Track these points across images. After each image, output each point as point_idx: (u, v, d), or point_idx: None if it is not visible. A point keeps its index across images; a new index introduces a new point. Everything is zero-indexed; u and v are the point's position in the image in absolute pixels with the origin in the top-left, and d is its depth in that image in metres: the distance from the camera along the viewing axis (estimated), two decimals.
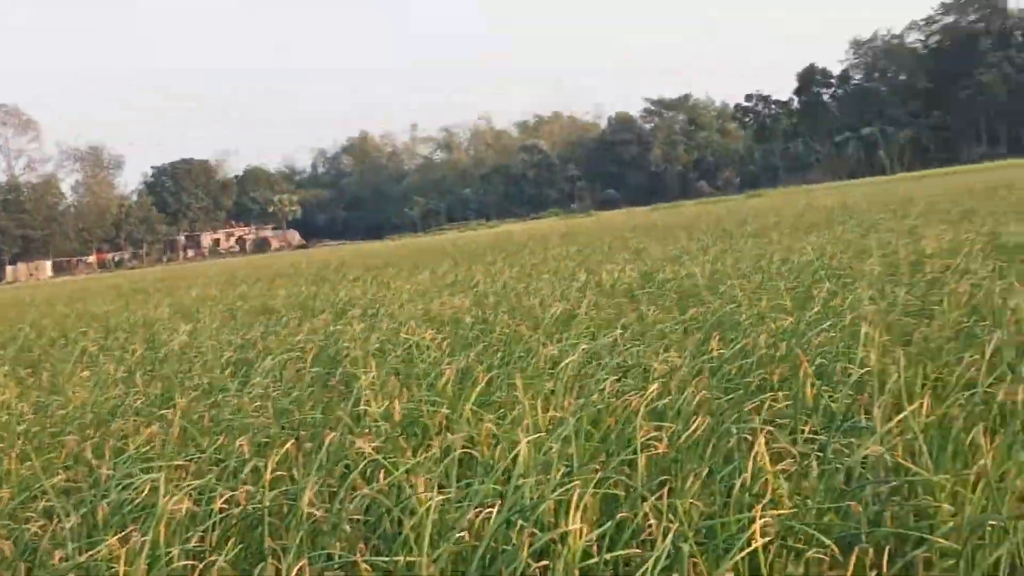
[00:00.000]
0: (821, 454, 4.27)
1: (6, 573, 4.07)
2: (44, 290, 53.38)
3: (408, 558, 3.20)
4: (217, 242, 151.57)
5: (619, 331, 8.18)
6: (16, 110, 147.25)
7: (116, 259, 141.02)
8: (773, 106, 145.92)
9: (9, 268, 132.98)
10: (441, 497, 3.75)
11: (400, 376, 7.06)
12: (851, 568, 2.89)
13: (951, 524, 3.38)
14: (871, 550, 3.11)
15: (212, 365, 8.88)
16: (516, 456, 4.19)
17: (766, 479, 3.67)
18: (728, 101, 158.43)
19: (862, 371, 5.44)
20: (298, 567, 3.08)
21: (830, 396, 5.27)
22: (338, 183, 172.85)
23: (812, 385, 5.31)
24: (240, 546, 3.90)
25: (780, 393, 5.58)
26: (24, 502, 4.80)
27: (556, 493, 3.75)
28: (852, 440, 4.47)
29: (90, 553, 3.69)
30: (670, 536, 2.83)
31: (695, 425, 4.53)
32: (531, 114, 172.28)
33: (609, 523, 3.44)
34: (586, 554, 3.33)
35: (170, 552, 3.67)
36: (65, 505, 4.53)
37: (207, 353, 9.63)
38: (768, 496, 3.49)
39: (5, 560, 4.10)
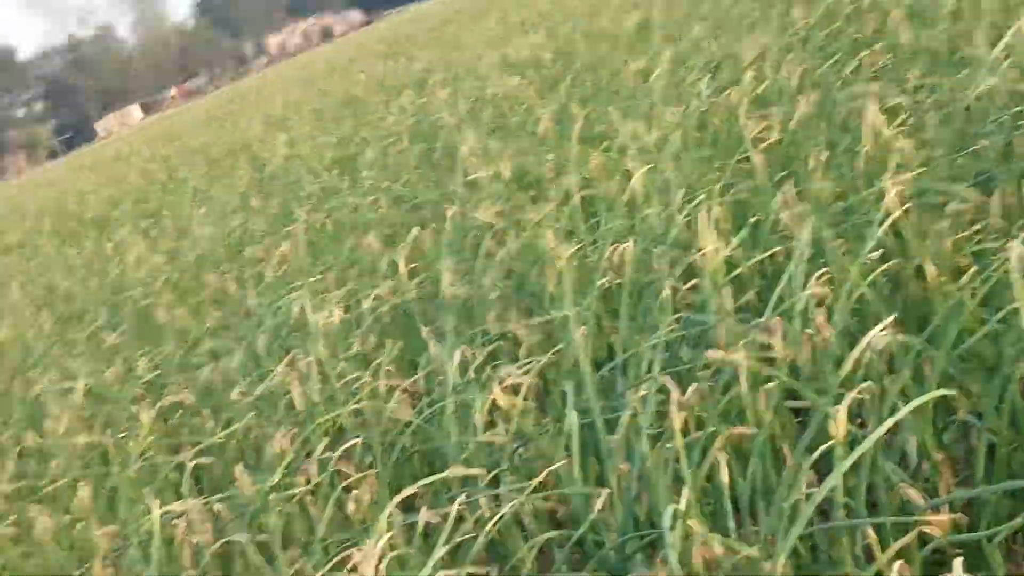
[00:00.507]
0: (935, 99, 4.16)
1: (193, 419, 4.26)
2: (138, 135, 53.92)
3: (558, 313, 3.25)
4: (283, 43, 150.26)
5: (696, 27, 7.95)
6: None
7: (196, 87, 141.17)
8: None
9: (99, 124, 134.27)
10: (574, 247, 3.79)
11: (499, 133, 7.04)
12: (998, 210, 2.85)
13: None
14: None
15: (318, 170, 8.94)
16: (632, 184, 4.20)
17: (887, 142, 3.60)
18: None
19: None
20: (459, 350, 3.16)
21: (928, 35, 5.09)
22: None
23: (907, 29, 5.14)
24: (398, 342, 3.99)
25: (877, 46, 5.42)
26: (188, 349, 4.99)
27: (684, 213, 3.75)
28: (962, 75, 4.32)
29: (263, 385, 3.83)
30: (807, 227, 2.82)
31: (800, 103, 4.42)
32: None
33: (743, 229, 3.44)
34: (730, 265, 3.33)
35: (336, 364, 3.77)
36: (225, 344, 4.69)
37: (309, 159, 9.69)
38: (894, 160, 3.43)
39: (189, 409, 4.30)
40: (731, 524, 2.20)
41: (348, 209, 6.65)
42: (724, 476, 2.15)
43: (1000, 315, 2.13)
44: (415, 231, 5.01)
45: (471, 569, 2.25)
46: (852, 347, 2.26)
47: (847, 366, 2.23)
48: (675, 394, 2.24)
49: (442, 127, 8.01)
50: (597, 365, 3.09)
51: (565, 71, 8.71)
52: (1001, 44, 4.08)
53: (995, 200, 2.87)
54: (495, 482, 2.71)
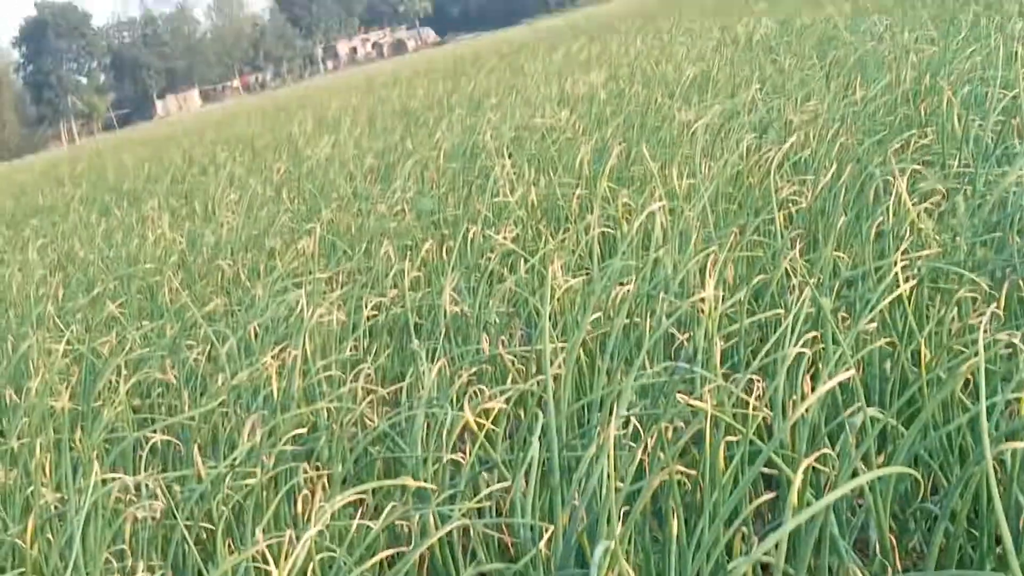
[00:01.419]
0: (970, 187, 4.09)
1: (174, 400, 4.23)
2: (194, 120, 54.50)
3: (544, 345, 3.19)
4: (354, 50, 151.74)
5: (756, 87, 7.95)
6: None
7: (260, 80, 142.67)
8: None
9: (159, 103, 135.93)
10: (578, 279, 3.73)
11: (537, 162, 7.01)
12: (1002, 299, 2.77)
13: None
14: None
15: (354, 173, 8.97)
16: (654, 227, 4.14)
17: (911, 221, 3.54)
18: None
19: (1013, 93, 5.16)
20: (439, 364, 3.10)
21: (979, 125, 5.02)
22: None
23: (959, 116, 5.07)
24: (388, 349, 3.96)
25: (928, 128, 5.37)
26: (184, 330, 4.95)
27: (695, 260, 3.68)
28: (1005, 168, 4.25)
29: (246, 371, 3.79)
30: (807, 291, 2.75)
31: (831, 174, 4.36)
32: None
33: (748, 286, 3.37)
34: (729, 319, 3.28)
35: (323, 362, 3.73)
36: (221, 329, 4.66)
37: (349, 162, 9.72)
38: (912, 238, 3.36)
39: (172, 388, 4.27)
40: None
41: (373, 216, 6.64)
42: (673, 525, 2.07)
43: (983, 405, 2.04)
44: (429, 244, 4.97)
45: None
46: (832, 418, 2.20)
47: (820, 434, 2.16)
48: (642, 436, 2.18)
49: (484, 148, 7.98)
50: (577, 399, 3.04)
51: (616, 111, 8.69)
52: None
53: (1004, 289, 2.80)
54: (451, 501, 2.65)
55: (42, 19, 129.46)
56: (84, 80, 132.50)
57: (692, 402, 2.27)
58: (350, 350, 4.08)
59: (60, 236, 10.53)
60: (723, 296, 3.15)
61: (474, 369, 3.45)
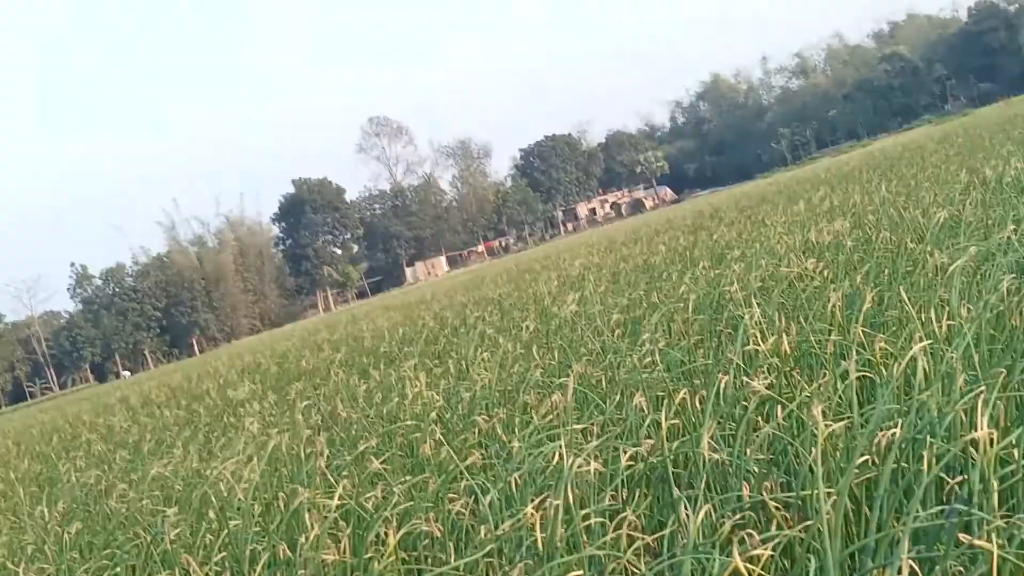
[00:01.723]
0: None
1: (439, 553, 4.32)
2: (442, 284, 56.29)
3: (813, 491, 3.14)
4: (593, 211, 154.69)
5: (1011, 228, 7.72)
6: (387, 119, 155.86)
7: (503, 244, 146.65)
8: None
9: (408, 270, 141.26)
10: (841, 423, 3.67)
11: (785, 310, 6.96)
12: None
13: None
14: None
15: (601, 328, 9.07)
16: (915, 371, 4.04)
17: None
18: None
19: None
20: (704, 510, 3.08)
21: None
22: (700, 131, 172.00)
23: None
24: (648, 498, 3.96)
25: None
26: (446, 484, 5.07)
27: (962, 402, 3.58)
28: None
29: (509, 523, 3.85)
30: None
31: None
32: (884, 21, 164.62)
33: (1022, 426, 3.25)
34: (1003, 461, 3.16)
35: (583, 511, 3.76)
36: (482, 482, 4.75)
37: (596, 318, 9.84)
38: None
39: (436, 540, 4.37)
40: None
41: (624, 368, 6.70)
42: None
43: None
44: (683, 394, 4.98)
45: None
46: None
47: None
48: None
49: (731, 299, 7.98)
50: (846, 546, 2.97)
51: (864, 257, 8.58)
52: None
53: None
54: None
55: (299, 195, 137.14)
56: (339, 251, 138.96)
57: (978, 542, 2.19)
58: (609, 499, 4.10)
59: (323, 398, 10.97)
60: (996, 437, 3.04)
61: (738, 516, 3.42)
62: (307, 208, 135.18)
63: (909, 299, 5.68)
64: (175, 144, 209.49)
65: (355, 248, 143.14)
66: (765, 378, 5.07)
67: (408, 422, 6.85)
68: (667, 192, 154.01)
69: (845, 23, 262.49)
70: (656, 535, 3.55)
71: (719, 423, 4.70)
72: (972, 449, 2.95)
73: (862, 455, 3.32)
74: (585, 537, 3.68)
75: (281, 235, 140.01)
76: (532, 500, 4.02)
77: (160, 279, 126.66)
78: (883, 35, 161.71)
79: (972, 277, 6.37)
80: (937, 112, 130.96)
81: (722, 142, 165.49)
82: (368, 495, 4.99)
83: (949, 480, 3.20)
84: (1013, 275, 6.03)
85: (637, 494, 4.16)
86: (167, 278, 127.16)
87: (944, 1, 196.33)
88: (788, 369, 5.29)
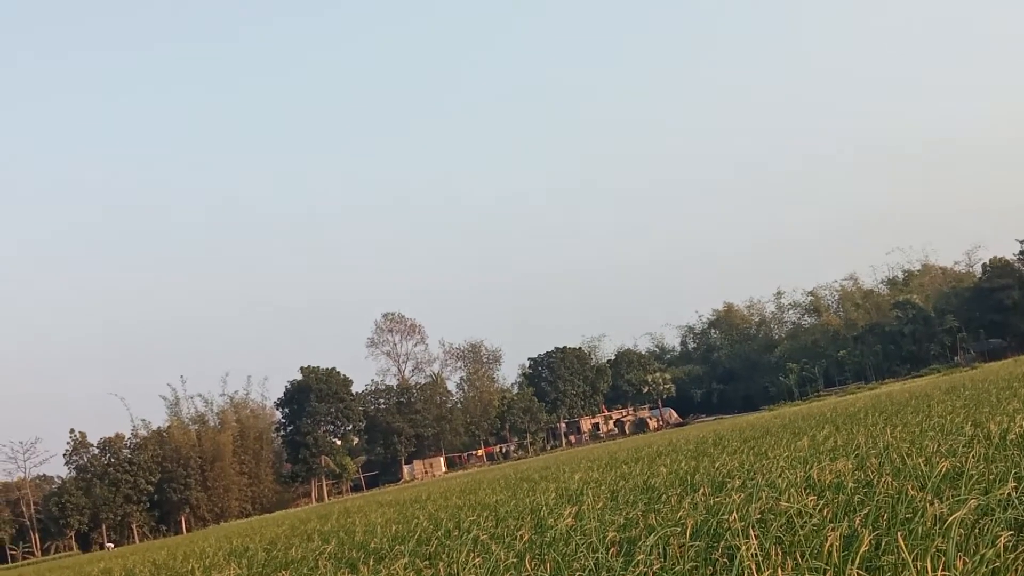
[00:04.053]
0: None
1: None
2: (439, 485, 55.86)
3: None
4: (596, 426, 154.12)
5: (1012, 484, 7.78)
6: (401, 317, 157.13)
7: (503, 450, 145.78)
8: None
9: (406, 467, 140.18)
10: None
11: (782, 545, 6.98)
12: None
13: None
14: None
15: (596, 545, 9.05)
16: None
17: None
18: None
19: None
20: None
21: None
22: (709, 357, 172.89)
23: None
24: None
25: None
26: None
27: None
28: None
29: None
30: None
31: None
32: (899, 269, 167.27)
33: None
34: None
35: None
36: None
37: (591, 534, 9.82)
38: None
39: None
40: None
41: None
42: None
43: None
44: None
45: None
46: None
47: None
48: None
49: (728, 529, 8.00)
50: None
51: (864, 500, 8.62)
52: None
53: None
54: None
55: (306, 383, 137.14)
56: (338, 442, 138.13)
57: None
58: None
59: None
60: None
61: None
62: (312, 396, 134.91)
63: (906, 546, 5.73)
64: (182, 319, 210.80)
65: (355, 440, 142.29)
66: None
67: None
68: (672, 414, 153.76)
69: (861, 267, 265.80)
70: None
71: None
72: None
73: None
74: None
75: (283, 420, 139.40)
76: None
77: (157, 453, 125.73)
78: (897, 282, 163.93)
79: (970, 530, 6.41)
80: (946, 363, 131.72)
81: (730, 371, 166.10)
82: None
83: None
84: (1011, 532, 6.08)
85: None
86: (164, 453, 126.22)
87: (959, 255, 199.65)
88: None
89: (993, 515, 6.83)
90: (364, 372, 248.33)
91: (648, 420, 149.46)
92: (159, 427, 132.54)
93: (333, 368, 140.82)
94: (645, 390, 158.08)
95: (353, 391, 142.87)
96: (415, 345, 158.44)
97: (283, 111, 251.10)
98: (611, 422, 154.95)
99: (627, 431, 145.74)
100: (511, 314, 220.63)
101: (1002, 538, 5.57)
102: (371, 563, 12.14)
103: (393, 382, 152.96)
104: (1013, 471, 8.95)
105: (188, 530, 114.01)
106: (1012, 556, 5.34)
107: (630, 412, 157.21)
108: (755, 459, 17.09)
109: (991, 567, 5.19)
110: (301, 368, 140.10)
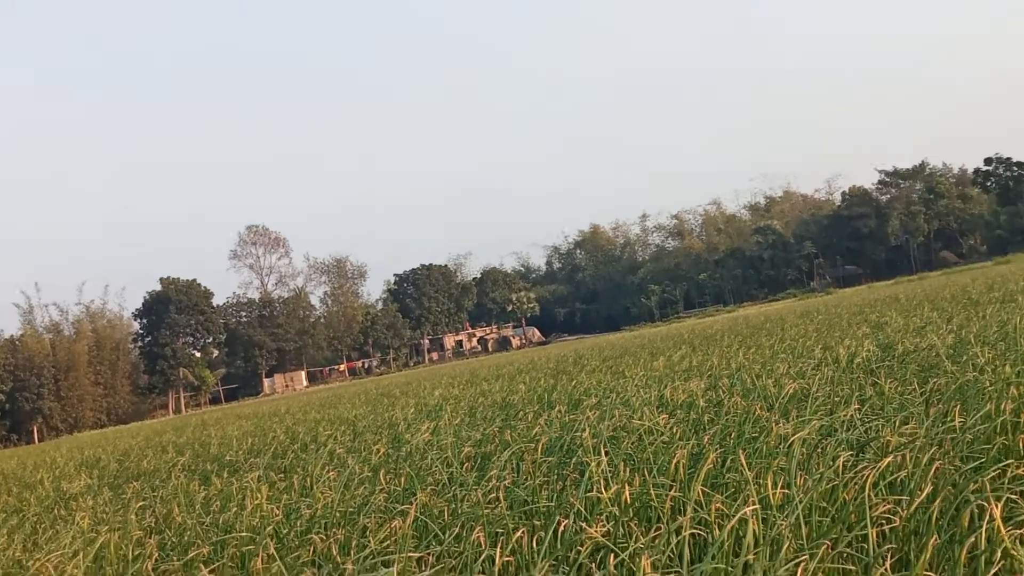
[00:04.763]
0: None
1: None
2: (299, 399, 55.61)
3: None
4: (460, 343, 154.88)
5: (855, 407, 8.01)
6: (265, 229, 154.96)
7: (365, 366, 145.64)
8: (1015, 168, 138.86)
9: (267, 380, 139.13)
10: None
11: (632, 462, 7.08)
12: None
13: None
14: None
15: (451, 460, 9.09)
16: (744, 533, 4.15)
17: (1005, 547, 3.53)
18: (966, 167, 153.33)
19: None
20: None
21: None
22: (573, 277, 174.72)
23: None
24: None
25: None
26: None
27: (784, 568, 3.69)
28: None
29: None
30: None
31: (926, 494, 4.37)
32: (761, 195, 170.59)
33: None
34: None
35: None
36: None
37: (447, 449, 9.85)
38: (1004, 564, 3.35)
39: None
40: None
41: (467, 501, 6.72)
42: None
43: None
44: (521, 533, 5.02)
45: None
46: None
47: None
48: None
49: (581, 446, 8.09)
50: None
51: (714, 419, 8.78)
52: None
53: None
54: None
55: (165, 294, 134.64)
56: (198, 354, 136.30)
57: None
58: None
59: (160, 500, 10.73)
60: None
61: None
62: (172, 308, 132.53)
63: (751, 464, 5.85)
64: (41, 228, 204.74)
65: (215, 353, 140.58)
66: (604, 525, 5.15)
67: (243, 534, 6.76)
68: (535, 333, 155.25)
69: (724, 192, 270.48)
70: None
71: (553, 565, 4.75)
72: None
73: None
74: None
75: (141, 331, 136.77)
76: None
77: (9, 362, 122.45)
78: (759, 208, 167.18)
79: (813, 450, 6.57)
80: (802, 287, 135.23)
81: (594, 291, 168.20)
82: None
83: None
84: (851, 452, 6.25)
85: None
86: (16, 362, 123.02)
87: (820, 183, 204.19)
88: (627, 519, 5.37)
89: (835, 436, 7.01)
90: (227, 286, 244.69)
91: (511, 338, 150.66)
92: (11, 335, 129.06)
93: (194, 280, 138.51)
94: (509, 308, 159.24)
95: (214, 303, 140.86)
96: (279, 259, 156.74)
97: None
98: (475, 339, 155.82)
99: (490, 349, 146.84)
100: (377, 233, 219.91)
101: (841, 458, 5.71)
102: (225, 475, 12.03)
103: (256, 295, 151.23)
104: (856, 394, 9.21)
105: (40, 440, 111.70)
106: (851, 475, 5.48)
107: (494, 330, 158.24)
108: (612, 378, 17.31)
109: (829, 484, 5.32)
110: (161, 279, 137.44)
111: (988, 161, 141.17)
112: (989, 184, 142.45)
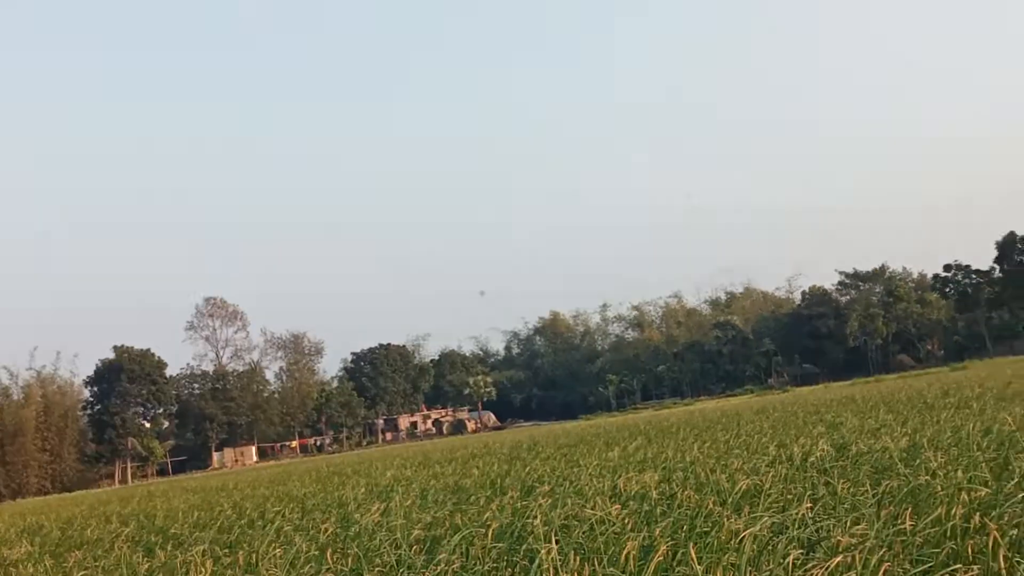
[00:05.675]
0: None
1: None
2: (248, 474, 55.01)
3: None
4: (415, 424, 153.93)
5: (807, 505, 8.03)
6: (223, 302, 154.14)
7: (317, 443, 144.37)
8: (974, 275, 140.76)
9: (216, 454, 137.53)
10: None
11: (582, 551, 7.04)
12: None
13: None
14: None
15: (400, 542, 9.01)
16: None
17: None
18: (925, 272, 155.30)
19: None
20: None
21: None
22: (532, 364, 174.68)
23: (1005, 558, 5.10)
24: None
25: (974, 567, 5.38)
26: None
27: None
28: None
29: None
30: None
31: None
32: (722, 290, 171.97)
33: None
34: None
35: None
36: None
37: (396, 530, 9.77)
38: None
39: None
40: None
41: None
42: None
43: None
44: None
45: None
46: None
47: None
48: None
49: (532, 533, 8.04)
50: None
51: (666, 512, 8.77)
52: None
53: None
54: None
55: (118, 362, 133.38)
56: (147, 424, 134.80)
57: None
58: None
59: (102, 571, 10.55)
60: None
61: None
62: (123, 376, 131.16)
63: (701, 559, 5.84)
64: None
65: (165, 424, 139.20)
66: None
67: None
68: (491, 417, 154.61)
69: (686, 286, 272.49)
70: None
71: None
72: None
73: None
74: None
75: (91, 399, 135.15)
76: None
77: None
78: (720, 303, 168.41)
79: (764, 546, 6.57)
80: (760, 384, 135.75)
81: (552, 378, 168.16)
82: None
83: None
84: (802, 550, 6.25)
85: None
86: None
87: (781, 281, 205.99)
88: None
89: (786, 533, 7.02)
90: (181, 356, 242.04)
91: (467, 422, 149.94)
92: None
93: (148, 349, 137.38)
94: (466, 391, 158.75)
95: (168, 374, 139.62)
96: (236, 332, 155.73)
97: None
98: (430, 421, 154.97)
99: (445, 431, 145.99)
100: (336, 304, 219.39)
101: (791, 556, 5.72)
102: (169, 548, 11.86)
103: (210, 368, 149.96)
104: (809, 492, 9.22)
105: None
106: (800, 573, 5.48)
107: (449, 413, 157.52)
108: (566, 466, 17.27)
109: None
110: (114, 347, 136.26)
111: (947, 267, 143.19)
112: (948, 290, 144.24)
